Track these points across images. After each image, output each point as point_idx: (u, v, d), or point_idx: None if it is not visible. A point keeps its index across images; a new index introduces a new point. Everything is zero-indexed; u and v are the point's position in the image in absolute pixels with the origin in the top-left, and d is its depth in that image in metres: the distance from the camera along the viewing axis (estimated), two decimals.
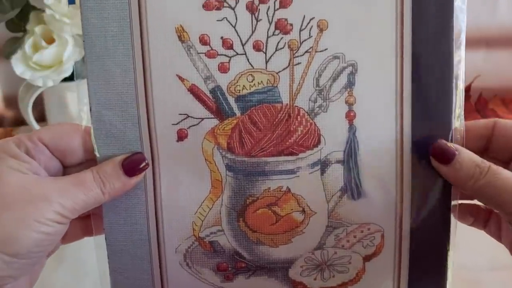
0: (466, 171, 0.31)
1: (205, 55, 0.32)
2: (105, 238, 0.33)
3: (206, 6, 0.31)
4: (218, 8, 0.31)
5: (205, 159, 0.33)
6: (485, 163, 0.31)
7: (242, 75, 0.32)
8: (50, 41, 0.58)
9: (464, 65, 0.32)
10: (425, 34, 0.31)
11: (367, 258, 0.34)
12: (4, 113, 0.74)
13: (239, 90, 0.32)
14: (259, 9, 0.31)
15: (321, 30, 0.31)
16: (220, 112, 0.32)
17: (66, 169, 0.33)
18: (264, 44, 0.32)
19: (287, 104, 0.32)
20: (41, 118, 0.67)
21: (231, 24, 0.31)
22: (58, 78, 0.57)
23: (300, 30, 0.31)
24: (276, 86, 0.32)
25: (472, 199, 0.35)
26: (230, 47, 0.32)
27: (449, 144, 0.32)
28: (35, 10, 0.58)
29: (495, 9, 0.71)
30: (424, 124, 0.32)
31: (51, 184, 0.30)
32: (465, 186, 0.31)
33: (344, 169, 0.33)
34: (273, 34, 0.32)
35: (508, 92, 0.74)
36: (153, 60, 0.31)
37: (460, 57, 0.32)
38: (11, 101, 0.73)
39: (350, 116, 0.32)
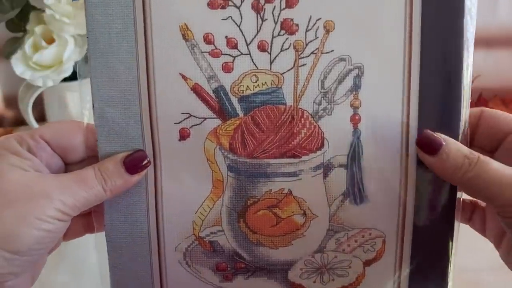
0: (454, 162, 0.30)
1: (209, 54, 0.31)
2: (106, 235, 0.33)
3: (211, 5, 0.31)
4: (223, 7, 0.31)
5: (207, 159, 0.32)
6: (474, 154, 0.30)
7: (246, 75, 0.31)
8: (50, 41, 0.57)
9: (471, 69, 0.31)
10: (435, 37, 0.31)
11: (367, 263, 0.34)
12: (4, 113, 0.75)
13: (243, 91, 0.32)
14: (265, 9, 0.31)
15: (327, 31, 0.31)
16: (223, 112, 0.32)
17: (68, 166, 0.33)
18: (269, 44, 0.31)
19: (291, 106, 0.32)
20: (41, 118, 0.67)
21: (236, 23, 0.31)
22: (58, 78, 0.57)
23: (306, 31, 0.31)
24: (280, 87, 0.32)
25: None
26: (235, 46, 0.31)
27: (436, 134, 0.31)
28: (35, 10, 0.58)
29: (495, 9, 0.70)
30: (431, 129, 0.31)
31: (52, 181, 0.30)
32: (453, 178, 0.30)
33: (347, 173, 0.32)
34: (279, 34, 0.31)
35: (508, 92, 0.73)
36: (156, 58, 0.31)
37: (468, 61, 0.31)
38: (11, 101, 0.74)
39: (355, 120, 0.32)
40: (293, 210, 0.33)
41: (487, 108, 0.33)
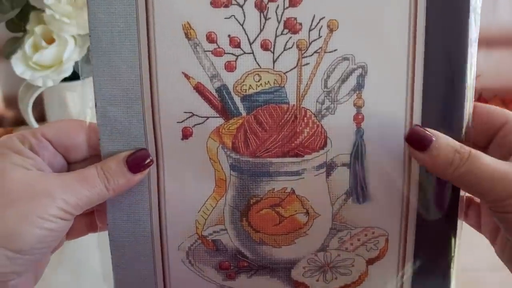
0: (445, 158, 0.29)
1: (212, 53, 0.31)
2: (108, 234, 0.33)
3: (214, 3, 0.30)
4: (226, 6, 0.30)
5: (210, 158, 0.32)
6: (465, 148, 0.29)
7: (248, 74, 0.31)
8: (50, 41, 0.57)
9: (475, 70, 0.31)
10: (439, 36, 0.30)
11: (370, 262, 0.34)
12: (4, 113, 0.75)
13: (246, 90, 0.32)
14: (268, 8, 0.30)
15: (331, 31, 0.31)
16: (225, 111, 0.32)
17: (70, 165, 0.33)
18: (272, 43, 0.31)
19: (294, 105, 0.32)
20: (41, 118, 0.67)
21: (239, 22, 0.31)
22: (58, 78, 0.57)
23: (310, 30, 0.31)
24: (283, 87, 0.31)
25: None
26: (237, 45, 0.31)
27: (427, 130, 0.30)
28: (35, 10, 0.58)
29: (495, 9, 0.70)
30: (434, 129, 0.31)
31: (54, 180, 0.30)
32: (445, 174, 0.30)
33: (350, 172, 0.32)
34: (282, 33, 0.31)
35: (508, 92, 0.73)
36: (159, 56, 0.31)
37: (472, 61, 0.31)
38: (11, 101, 0.74)
39: (358, 119, 0.32)
40: (296, 209, 0.33)
41: (479, 103, 0.32)
